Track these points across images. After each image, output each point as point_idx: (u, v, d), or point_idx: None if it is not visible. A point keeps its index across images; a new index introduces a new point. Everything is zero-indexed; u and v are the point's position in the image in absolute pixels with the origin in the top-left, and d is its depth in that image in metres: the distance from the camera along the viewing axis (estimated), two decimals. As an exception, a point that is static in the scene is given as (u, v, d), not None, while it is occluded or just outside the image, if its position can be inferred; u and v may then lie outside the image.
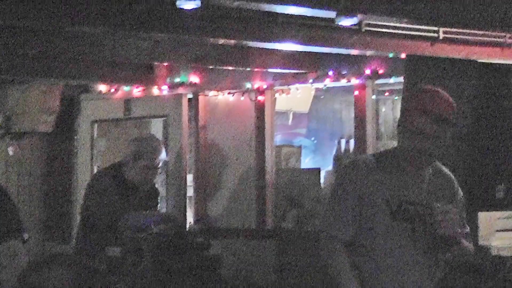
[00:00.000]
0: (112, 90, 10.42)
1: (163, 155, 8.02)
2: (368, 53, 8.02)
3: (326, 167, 9.77)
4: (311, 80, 9.13)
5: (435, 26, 7.38)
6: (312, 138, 11.01)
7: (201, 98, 10.00)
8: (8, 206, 4.64)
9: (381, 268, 4.74)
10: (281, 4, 5.40)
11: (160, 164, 8.09)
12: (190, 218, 10.00)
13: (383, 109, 9.92)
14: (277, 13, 6.52)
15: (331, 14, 5.79)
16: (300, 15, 6.38)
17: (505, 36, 7.63)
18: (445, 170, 4.80)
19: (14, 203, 4.61)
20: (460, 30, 7.53)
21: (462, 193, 4.70)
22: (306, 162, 10.23)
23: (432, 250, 4.73)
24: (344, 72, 8.80)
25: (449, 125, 4.59)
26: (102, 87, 10.44)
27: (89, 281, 2.83)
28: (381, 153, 5.00)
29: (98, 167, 10.44)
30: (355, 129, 8.97)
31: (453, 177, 4.78)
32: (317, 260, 8.32)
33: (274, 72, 9.19)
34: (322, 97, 10.20)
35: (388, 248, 4.69)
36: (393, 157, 4.77)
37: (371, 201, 4.65)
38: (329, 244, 4.71)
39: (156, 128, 10.50)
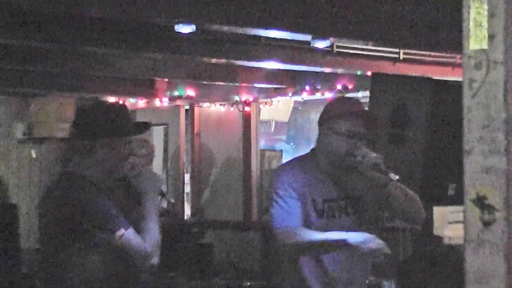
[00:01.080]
0: (120, 102, 10.40)
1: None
2: (339, 71, 8.01)
3: (303, 168, 9.76)
4: (290, 94, 9.13)
5: (396, 48, 7.38)
6: (291, 143, 11.02)
7: (196, 109, 10.01)
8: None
9: (318, 262, 4.69)
10: (264, 28, 5.38)
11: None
12: (187, 212, 9.98)
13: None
14: (261, 36, 6.51)
15: (307, 37, 5.78)
16: (280, 38, 6.36)
17: (455, 57, 7.64)
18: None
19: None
20: (418, 52, 7.54)
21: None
22: (286, 164, 10.21)
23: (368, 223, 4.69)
24: (318, 87, 8.80)
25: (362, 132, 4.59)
26: (111, 99, 10.42)
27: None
28: (302, 156, 4.98)
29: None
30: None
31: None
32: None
33: (258, 87, 9.19)
34: (300, 108, 10.21)
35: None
36: (312, 158, 4.77)
37: (304, 201, 4.63)
38: (287, 231, 4.58)
39: (158, 134, 10.48)
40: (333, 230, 4.61)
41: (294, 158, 5.16)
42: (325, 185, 4.67)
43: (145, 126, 4.67)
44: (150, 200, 4.39)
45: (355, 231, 4.65)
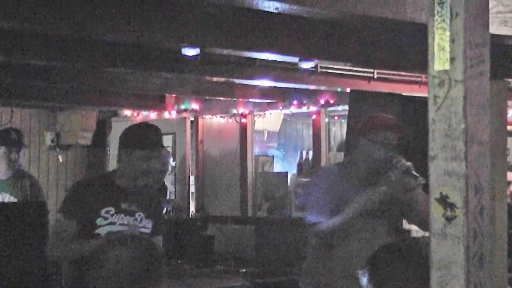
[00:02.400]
0: (135, 114, 10.38)
1: (171, 161, 7.99)
2: (322, 88, 8.01)
3: (292, 171, 9.73)
4: (280, 107, 9.12)
5: (371, 68, 7.37)
6: (281, 150, 10.97)
7: (200, 120, 9.98)
8: None
9: (349, 250, 4.61)
10: (258, 51, 5.38)
11: (169, 169, 8.07)
12: (192, 208, 9.96)
13: (333, 129, 9.89)
14: (256, 58, 6.50)
15: (295, 59, 5.78)
16: (272, 60, 6.36)
17: (422, 76, 7.64)
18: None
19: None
20: (389, 72, 7.53)
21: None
22: (277, 168, 10.18)
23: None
24: (304, 102, 8.79)
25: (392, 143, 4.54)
26: (127, 112, 10.40)
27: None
28: (342, 163, 4.91)
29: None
30: (312, 143, 8.96)
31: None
32: (284, 240, 8.29)
33: (253, 101, 9.17)
34: (288, 120, 10.17)
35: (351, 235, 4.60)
36: (351, 167, 4.70)
37: (340, 202, 4.56)
38: (319, 223, 4.53)
39: (167, 142, 10.44)
40: (363, 230, 4.55)
41: (330, 167, 5.07)
42: (357, 191, 4.58)
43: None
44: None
45: (378, 234, 4.56)
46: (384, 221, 4.64)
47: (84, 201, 4.42)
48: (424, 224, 4.70)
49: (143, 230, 4.47)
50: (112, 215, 4.42)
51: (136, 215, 4.51)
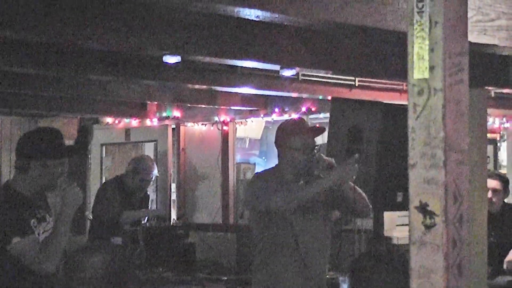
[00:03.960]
0: (116, 121, 10.36)
1: (155, 171, 7.99)
2: (304, 95, 8.02)
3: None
4: (262, 115, 9.13)
5: (352, 76, 7.40)
6: (263, 157, 10.99)
7: (181, 127, 9.98)
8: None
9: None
10: (240, 59, 5.38)
11: (153, 178, 8.06)
12: (173, 216, 9.94)
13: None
14: (237, 66, 6.51)
15: (277, 67, 5.78)
16: (254, 68, 6.36)
17: (402, 84, 7.67)
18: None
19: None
20: (370, 80, 7.56)
21: None
22: (259, 175, 10.19)
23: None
24: (286, 109, 8.80)
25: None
26: (109, 119, 10.38)
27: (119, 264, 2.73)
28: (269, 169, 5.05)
29: (106, 178, 10.37)
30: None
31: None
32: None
33: (235, 109, 9.18)
34: (270, 127, 10.18)
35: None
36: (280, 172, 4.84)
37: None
38: (285, 199, 4.61)
39: (149, 149, 10.43)
40: (306, 228, 4.66)
41: (264, 170, 5.22)
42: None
43: (79, 148, 4.55)
44: (63, 214, 4.19)
45: (321, 230, 4.69)
46: (321, 213, 4.79)
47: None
48: (359, 211, 4.89)
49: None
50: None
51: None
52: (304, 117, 8.71)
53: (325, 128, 5.22)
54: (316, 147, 4.73)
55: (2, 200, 4.28)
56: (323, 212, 4.82)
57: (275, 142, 4.87)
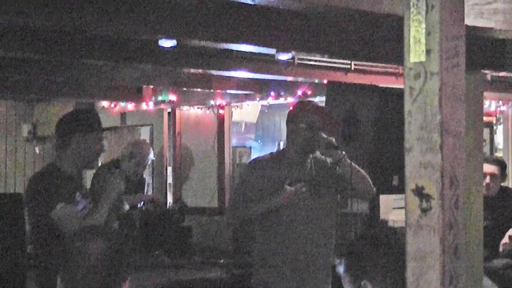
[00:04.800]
0: (112, 105, 10.34)
1: (151, 155, 7.98)
2: (299, 79, 8.01)
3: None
4: (258, 99, 9.12)
5: (348, 60, 7.39)
6: (259, 141, 10.99)
7: (177, 111, 9.97)
8: None
9: (285, 237, 4.75)
10: (235, 43, 5.37)
11: (149, 162, 8.07)
12: (169, 199, 9.95)
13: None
14: (233, 50, 6.49)
15: (272, 51, 5.78)
16: (249, 51, 6.35)
17: (398, 68, 7.66)
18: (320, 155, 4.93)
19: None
20: (366, 63, 7.55)
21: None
22: (254, 159, 10.20)
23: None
24: (282, 93, 8.79)
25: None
26: (105, 103, 10.36)
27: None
28: (276, 151, 5.13)
29: (102, 162, 10.37)
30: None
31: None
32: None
33: (231, 93, 9.17)
34: (266, 111, 10.19)
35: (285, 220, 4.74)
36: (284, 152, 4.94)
37: (272, 186, 4.69)
38: (235, 215, 4.89)
39: (145, 133, 10.43)
40: (301, 210, 4.71)
41: (259, 157, 5.27)
42: (291, 170, 4.79)
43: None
44: (104, 199, 4.51)
45: (317, 212, 4.74)
46: (325, 200, 4.83)
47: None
48: (361, 193, 4.97)
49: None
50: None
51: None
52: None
53: (331, 110, 5.29)
54: (320, 129, 4.81)
55: (49, 174, 4.49)
56: (327, 199, 4.86)
57: (286, 121, 4.97)
